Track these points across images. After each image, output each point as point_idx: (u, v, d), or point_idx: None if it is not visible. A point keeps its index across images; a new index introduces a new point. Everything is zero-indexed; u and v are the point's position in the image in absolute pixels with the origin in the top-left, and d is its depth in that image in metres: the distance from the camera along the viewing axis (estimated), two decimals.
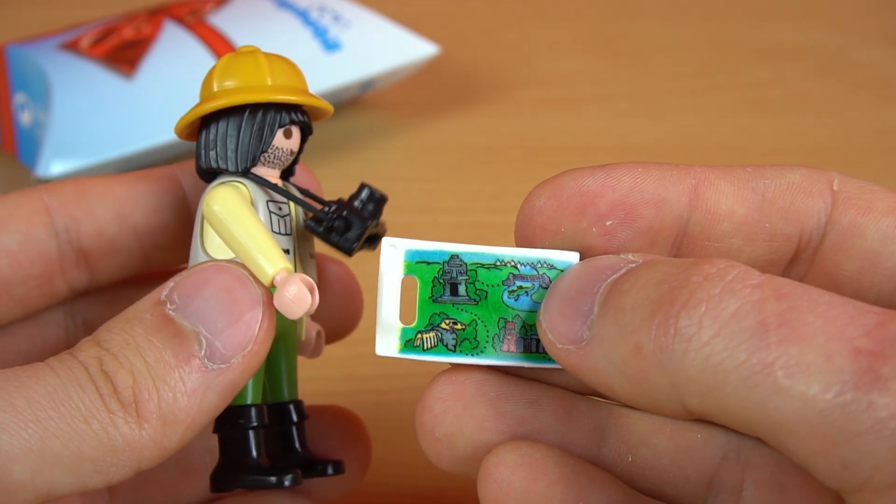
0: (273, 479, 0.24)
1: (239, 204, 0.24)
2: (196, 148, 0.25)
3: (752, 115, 0.59)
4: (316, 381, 0.30)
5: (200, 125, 0.26)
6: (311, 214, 0.25)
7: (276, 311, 0.23)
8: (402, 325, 0.23)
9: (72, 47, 0.49)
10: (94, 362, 0.21)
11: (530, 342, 0.24)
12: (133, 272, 0.28)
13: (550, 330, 0.22)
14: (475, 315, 0.24)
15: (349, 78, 0.53)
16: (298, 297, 0.23)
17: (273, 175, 0.26)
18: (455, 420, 0.23)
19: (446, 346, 0.23)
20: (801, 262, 0.24)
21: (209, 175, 0.26)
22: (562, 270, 0.23)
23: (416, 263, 0.23)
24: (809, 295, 0.19)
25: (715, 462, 0.24)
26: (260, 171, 0.25)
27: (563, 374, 0.24)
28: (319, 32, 0.53)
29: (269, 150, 0.25)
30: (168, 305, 0.23)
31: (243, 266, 0.23)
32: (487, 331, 0.24)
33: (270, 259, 0.23)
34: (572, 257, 0.24)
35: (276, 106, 0.25)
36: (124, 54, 0.49)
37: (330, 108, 0.26)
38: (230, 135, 0.25)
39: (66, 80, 0.47)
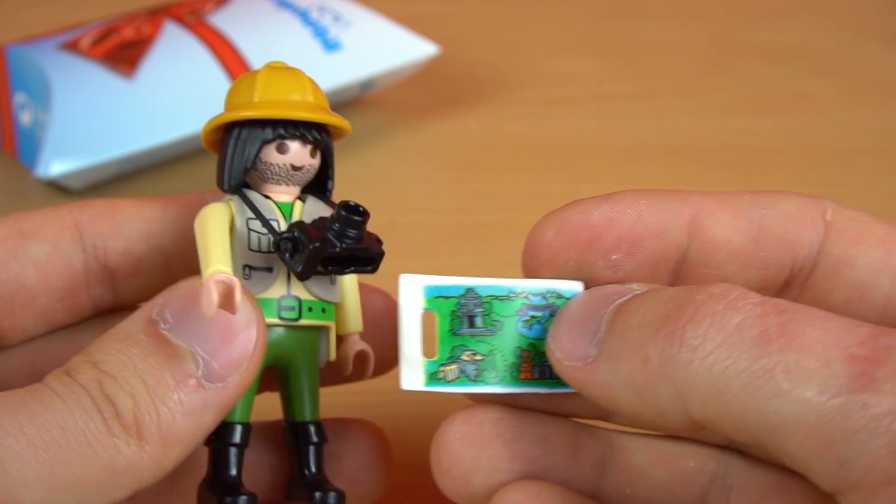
0: (227, 499, 0.24)
1: (209, 220, 0.24)
2: None
3: (752, 115, 0.59)
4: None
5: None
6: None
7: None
8: (425, 359, 0.24)
9: (72, 47, 0.49)
10: (95, 385, 0.21)
11: (544, 369, 0.24)
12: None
13: (558, 349, 0.23)
14: (492, 345, 0.24)
15: (349, 78, 0.53)
16: (203, 297, 0.22)
17: (289, 192, 0.26)
18: (472, 461, 0.24)
19: (468, 376, 0.24)
20: (792, 288, 0.25)
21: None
22: (569, 298, 0.24)
23: (434, 298, 0.24)
24: (807, 311, 0.20)
25: (705, 487, 0.26)
26: (269, 188, 0.25)
27: (572, 399, 0.25)
28: (319, 32, 0.53)
29: (261, 167, 0.25)
30: (161, 324, 0.22)
31: (236, 280, 0.23)
32: (505, 360, 0.24)
33: (207, 266, 0.23)
34: (577, 286, 0.25)
35: (262, 121, 0.25)
36: (124, 54, 0.49)
37: (328, 118, 0.25)
38: (220, 156, 0.25)
39: (66, 80, 0.47)
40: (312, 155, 0.26)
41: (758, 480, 0.25)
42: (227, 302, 0.22)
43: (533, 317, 0.24)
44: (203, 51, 0.50)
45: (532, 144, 0.55)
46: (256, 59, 0.50)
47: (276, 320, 0.25)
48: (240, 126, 0.25)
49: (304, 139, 0.25)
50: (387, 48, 0.55)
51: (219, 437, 0.25)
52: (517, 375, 0.24)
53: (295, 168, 0.25)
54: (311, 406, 0.26)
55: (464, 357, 0.24)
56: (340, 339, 0.27)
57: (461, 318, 0.24)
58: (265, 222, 0.25)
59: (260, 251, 0.25)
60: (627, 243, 0.24)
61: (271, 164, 0.25)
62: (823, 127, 0.58)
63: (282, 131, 0.25)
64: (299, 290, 0.25)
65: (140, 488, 0.22)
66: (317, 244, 0.23)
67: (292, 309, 0.25)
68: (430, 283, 0.24)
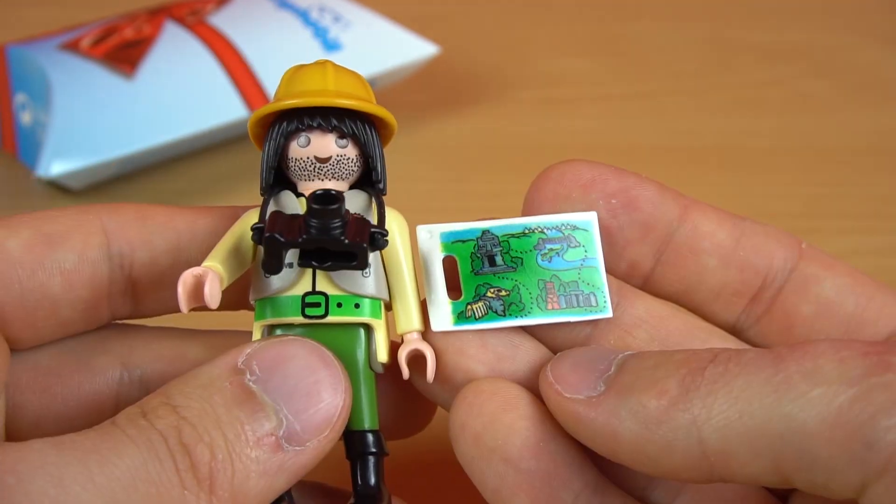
0: None
1: (232, 227, 0.24)
2: None
3: (752, 115, 0.59)
4: None
5: None
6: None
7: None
8: (451, 301, 0.25)
9: (72, 47, 0.49)
10: (174, 433, 0.20)
11: (570, 297, 0.25)
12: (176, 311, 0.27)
13: (558, 382, 0.23)
14: (516, 280, 0.25)
15: None
16: (178, 289, 0.22)
17: (324, 188, 0.24)
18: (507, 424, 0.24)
19: (496, 312, 0.25)
20: (762, 300, 0.27)
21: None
22: (584, 230, 0.25)
23: (452, 243, 0.25)
24: (814, 339, 0.21)
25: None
26: (302, 186, 0.25)
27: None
28: (320, 33, 0.53)
29: (290, 165, 0.24)
30: (248, 376, 0.22)
31: (209, 271, 0.23)
32: (530, 293, 0.25)
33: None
34: (590, 216, 0.26)
35: (290, 115, 0.24)
36: (125, 54, 0.49)
37: (337, 102, 0.24)
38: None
39: (67, 80, 0.47)
40: (341, 145, 0.24)
41: None
42: (199, 294, 0.22)
43: (551, 249, 0.25)
44: (203, 51, 0.50)
45: (532, 144, 0.55)
46: (257, 60, 0.50)
47: (300, 318, 0.24)
48: (271, 126, 0.24)
49: (322, 128, 0.24)
50: (387, 48, 0.55)
51: None
52: (545, 306, 0.25)
53: (320, 160, 0.24)
54: (369, 414, 0.24)
55: (489, 294, 0.25)
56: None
57: (481, 259, 0.25)
58: (262, 217, 0.24)
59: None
60: (626, 196, 0.26)
61: (297, 160, 0.24)
62: (823, 127, 0.58)
63: (297, 123, 0.24)
64: (326, 286, 0.24)
65: None
66: (269, 235, 0.22)
67: (317, 305, 0.24)
68: (447, 230, 0.25)
